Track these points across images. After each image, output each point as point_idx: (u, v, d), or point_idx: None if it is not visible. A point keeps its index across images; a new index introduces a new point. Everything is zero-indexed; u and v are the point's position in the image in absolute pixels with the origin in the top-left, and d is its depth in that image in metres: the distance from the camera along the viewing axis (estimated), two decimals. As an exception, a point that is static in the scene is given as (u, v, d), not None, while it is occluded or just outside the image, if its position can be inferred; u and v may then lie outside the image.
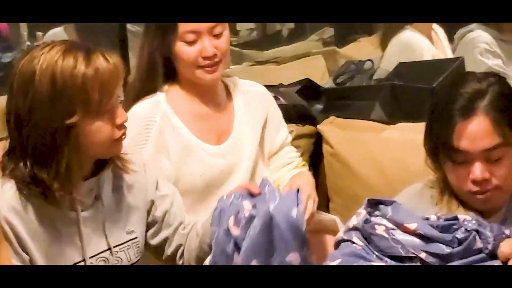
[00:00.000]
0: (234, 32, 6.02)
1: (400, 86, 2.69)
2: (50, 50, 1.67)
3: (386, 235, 1.68)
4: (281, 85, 2.87)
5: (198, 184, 2.16)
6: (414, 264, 1.64)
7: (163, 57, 2.15)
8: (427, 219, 1.71)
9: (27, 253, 1.68)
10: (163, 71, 2.17)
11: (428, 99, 2.54)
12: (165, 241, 1.91)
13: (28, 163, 1.66)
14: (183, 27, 2.11)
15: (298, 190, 1.81)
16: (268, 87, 2.82)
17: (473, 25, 3.29)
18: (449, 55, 3.51)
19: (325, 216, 2.19)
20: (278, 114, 2.37)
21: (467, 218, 1.68)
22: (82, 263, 1.74)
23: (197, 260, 1.88)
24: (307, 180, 2.13)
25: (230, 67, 4.26)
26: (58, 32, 4.03)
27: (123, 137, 1.75)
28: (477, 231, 1.65)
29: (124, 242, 1.82)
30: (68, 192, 1.68)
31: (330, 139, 2.61)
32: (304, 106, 2.78)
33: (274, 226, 1.74)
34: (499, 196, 1.79)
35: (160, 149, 2.11)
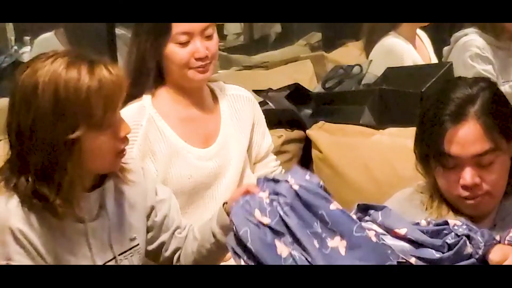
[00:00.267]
0: (221, 37, 6.01)
1: (389, 91, 2.69)
2: (53, 62, 1.62)
3: (377, 240, 1.67)
4: (270, 89, 2.87)
5: (186, 187, 2.17)
6: (409, 264, 1.64)
7: (154, 60, 2.15)
8: (417, 224, 1.71)
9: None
10: (154, 74, 2.17)
11: (417, 103, 2.55)
12: (162, 245, 1.89)
13: (30, 179, 1.63)
14: (176, 28, 2.12)
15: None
16: (257, 91, 2.84)
17: (469, 29, 3.29)
18: (434, 60, 3.53)
19: None
20: (263, 119, 2.39)
21: (457, 223, 1.68)
22: None
23: (194, 263, 1.87)
24: None
25: (218, 71, 4.26)
26: (48, 37, 4.02)
27: (126, 149, 1.72)
28: (467, 236, 1.65)
29: (128, 250, 1.80)
30: (70, 206, 1.64)
31: (319, 143, 2.61)
32: (293, 111, 2.78)
33: (299, 193, 1.68)
34: (489, 202, 1.80)
35: (146, 153, 2.12)
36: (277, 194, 1.64)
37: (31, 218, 1.64)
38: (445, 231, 1.66)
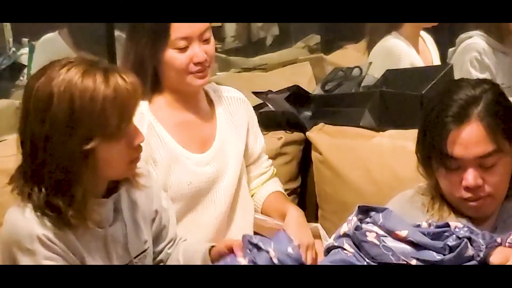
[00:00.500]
0: (219, 39, 6.02)
1: (389, 93, 2.69)
2: (69, 71, 1.61)
3: (377, 242, 1.67)
4: (270, 91, 2.87)
5: (186, 193, 2.16)
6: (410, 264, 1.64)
7: (152, 66, 2.14)
8: (418, 226, 1.71)
9: None
10: (151, 80, 2.16)
11: (417, 106, 2.55)
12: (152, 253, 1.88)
13: (43, 189, 1.61)
14: (174, 34, 2.10)
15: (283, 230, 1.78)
16: (257, 93, 2.83)
17: (473, 32, 3.29)
18: (437, 63, 3.51)
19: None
20: (256, 120, 2.39)
21: (458, 225, 1.68)
22: None
23: None
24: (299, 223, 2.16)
25: (217, 73, 4.26)
26: (52, 37, 4.02)
27: (139, 157, 1.72)
28: (469, 238, 1.65)
29: (141, 252, 1.79)
30: (82, 217, 1.63)
31: (319, 146, 2.61)
32: (293, 112, 2.78)
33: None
34: (491, 204, 1.80)
35: (147, 160, 2.10)
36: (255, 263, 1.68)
37: (52, 225, 1.63)
38: (446, 233, 1.67)
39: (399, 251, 1.66)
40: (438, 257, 1.64)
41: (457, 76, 3.04)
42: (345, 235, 1.74)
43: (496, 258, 1.65)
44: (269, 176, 2.38)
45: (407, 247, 1.66)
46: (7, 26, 4.68)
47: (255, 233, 2.19)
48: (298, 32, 5.60)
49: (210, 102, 2.28)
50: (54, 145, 1.59)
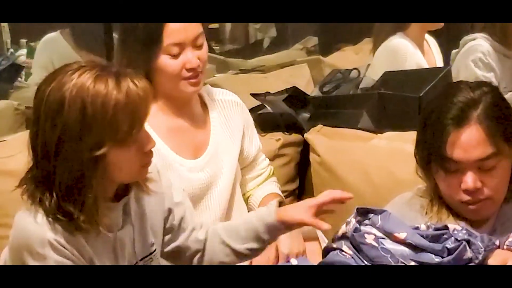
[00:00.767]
0: (216, 41, 6.03)
1: (388, 95, 2.69)
2: (80, 76, 1.59)
3: (376, 244, 1.67)
4: (268, 93, 2.87)
5: None
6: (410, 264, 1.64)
7: (144, 72, 2.10)
8: (417, 228, 1.71)
9: None
10: None
11: (415, 108, 2.55)
12: (180, 247, 1.87)
13: (54, 195, 1.60)
14: (167, 40, 2.08)
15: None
16: (255, 95, 2.83)
17: (477, 34, 3.28)
18: (440, 65, 3.51)
19: None
20: (252, 123, 2.37)
21: (457, 228, 1.68)
22: None
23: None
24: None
25: (215, 75, 4.26)
26: (54, 37, 4.02)
27: (150, 162, 1.70)
28: (467, 241, 1.65)
29: (147, 255, 1.78)
30: (93, 221, 1.62)
31: (317, 147, 2.61)
32: (291, 114, 2.78)
33: None
34: (490, 207, 1.80)
35: None
36: None
37: (63, 230, 1.62)
38: (445, 236, 1.67)
39: (397, 254, 1.66)
40: (436, 259, 1.64)
41: (461, 77, 3.05)
42: (344, 237, 1.74)
43: (495, 260, 1.65)
44: (265, 177, 2.37)
45: (405, 250, 1.66)
46: (5, 27, 4.69)
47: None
48: (296, 34, 5.61)
49: (204, 106, 2.26)
50: (65, 150, 1.58)
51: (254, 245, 1.83)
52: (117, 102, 1.58)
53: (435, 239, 1.67)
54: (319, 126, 2.68)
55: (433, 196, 1.85)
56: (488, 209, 1.80)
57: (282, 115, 2.77)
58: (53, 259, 1.60)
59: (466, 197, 1.77)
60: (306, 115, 2.83)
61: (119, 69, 1.64)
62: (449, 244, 1.65)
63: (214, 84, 2.64)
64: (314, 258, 1.98)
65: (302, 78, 4.01)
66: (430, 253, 1.65)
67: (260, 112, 2.79)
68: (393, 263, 1.65)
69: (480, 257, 1.64)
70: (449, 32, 3.66)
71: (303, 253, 2.12)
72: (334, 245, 1.75)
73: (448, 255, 1.64)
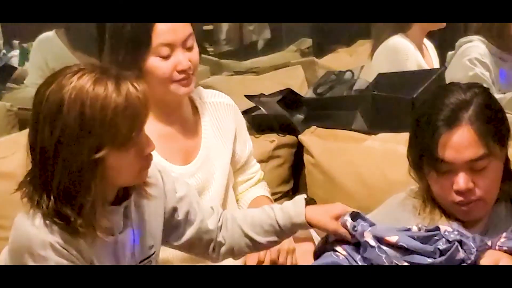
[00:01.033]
0: (211, 42, 6.03)
1: (381, 97, 2.69)
2: (80, 78, 1.58)
3: (374, 244, 1.67)
4: (262, 95, 2.87)
5: None
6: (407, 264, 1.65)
7: (135, 76, 2.09)
8: (408, 230, 1.71)
9: None
10: None
11: (409, 109, 2.55)
12: (191, 239, 1.86)
13: (52, 198, 1.59)
14: (156, 40, 2.04)
15: None
16: (249, 97, 2.83)
17: (474, 37, 3.28)
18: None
19: None
20: (244, 125, 2.34)
21: (448, 229, 1.68)
22: None
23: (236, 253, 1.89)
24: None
25: (209, 77, 4.27)
26: (49, 36, 4.01)
27: (150, 165, 1.70)
28: (459, 242, 1.65)
29: (146, 258, 1.78)
30: (91, 226, 1.61)
31: (311, 149, 2.61)
32: (285, 116, 2.78)
33: None
34: (481, 207, 1.80)
35: None
36: None
37: (62, 232, 1.61)
38: (436, 237, 1.67)
39: (391, 254, 1.66)
40: (428, 260, 1.64)
41: (458, 76, 3.05)
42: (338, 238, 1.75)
43: (487, 261, 1.65)
44: (256, 182, 2.35)
45: (398, 252, 1.67)
46: (-2, 28, 4.68)
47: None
48: (290, 36, 5.62)
49: (195, 109, 2.23)
50: (63, 153, 1.57)
51: (275, 238, 1.85)
52: (117, 105, 1.57)
53: (426, 240, 1.67)
54: (313, 127, 2.69)
55: (425, 197, 1.86)
56: (480, 210, 1.80)
57: (276, 117, 2.77)
58: (54, 260, 1.59)
59: (458, 198, 1.77)
60: (300, 116, 2.83)
61: (119, 72, 1.63)
62: (441, 245, 1.65)
63: (208, 86, 2.64)
64: (308, 258, 1.98)
65: (296, 80, 4.01)
66: (422, 255, 1.65)
67: (254, 113, 2.79)
68: (387, 263, 1.65)
69: (472, 257, 1.64)
70: (445, 35, 3.67)
71: (293, 251, 2.11)
72: (328, 246, 1.76)
73: (440, 256, 1.64)
